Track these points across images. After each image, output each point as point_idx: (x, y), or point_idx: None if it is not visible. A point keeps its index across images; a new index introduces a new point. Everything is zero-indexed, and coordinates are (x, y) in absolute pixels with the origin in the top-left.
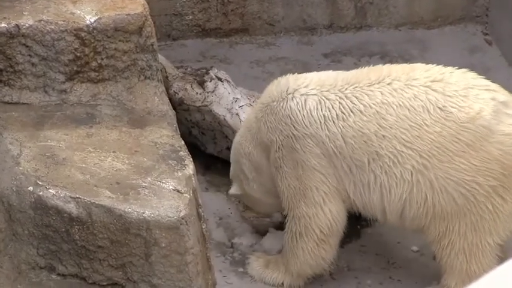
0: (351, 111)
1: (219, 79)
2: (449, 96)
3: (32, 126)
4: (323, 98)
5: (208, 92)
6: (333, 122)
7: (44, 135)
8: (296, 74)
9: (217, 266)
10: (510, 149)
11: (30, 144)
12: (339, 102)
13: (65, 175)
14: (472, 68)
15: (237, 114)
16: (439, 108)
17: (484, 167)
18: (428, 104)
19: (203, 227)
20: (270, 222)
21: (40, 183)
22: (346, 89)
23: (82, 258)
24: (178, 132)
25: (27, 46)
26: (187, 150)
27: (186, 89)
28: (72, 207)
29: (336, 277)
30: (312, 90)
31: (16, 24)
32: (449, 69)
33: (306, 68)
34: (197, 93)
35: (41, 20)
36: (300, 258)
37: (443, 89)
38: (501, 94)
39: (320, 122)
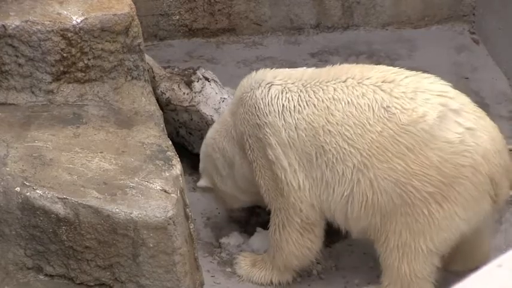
0: (306, 104)
1: (206, 79)
2: (395, 97)
3: (19, 127)
4: (286, 88)
5: (195, 92)
6: (290, 112)
7: (31, 135)
8: (269, 69)
9: (205, 266)
10: (451, 158)
11: (17, 144)
12: (299, 95)
13: (52, 176)
14: (458, 66)
15: None
16: (383, 108)
17: (421, 172)
18: (374, 103)
19: (191, 227)
20: (257, 221)
21: (27, 183)
22: (308, 83)
23: (69, 259)
24: (166, 133)
25: (13, 47)
26: (174, 150)
27: (173, 89)
28: (59, 208)
29: (323, 277)
30: (278, 81)
31: (2, 25)
32: (408, 72)
33: (293, 67)
34: (184, 93)
35: (28, 21)
36: (285, 250)
37: (391, 89)
38: (456, 102)
39: (278, 111)
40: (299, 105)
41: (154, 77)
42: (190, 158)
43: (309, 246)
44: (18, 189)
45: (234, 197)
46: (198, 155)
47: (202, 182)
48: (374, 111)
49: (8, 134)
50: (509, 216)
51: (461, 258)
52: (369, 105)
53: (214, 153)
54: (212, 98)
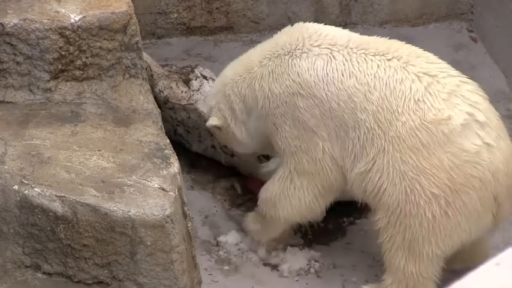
0: (349, 76)
1: (204, 77)
2: (429, 93)
3: (17, 125)
4: (331, 57)
5: (193, 90)
6: (334, 82)
7: (29, 133)
8: (311, 27)
9: (203, 264)
10: (462, 165)
11: (15, 143)
12: (343, 64)
13: (50, 174)
14: (456, 65)
15: None
16: (414, 99)
17: (430, 172)
18: (407, 92)
19: (188, 225)
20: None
21: (25, 182)
22: (354, 52)
23: (67, 257)
24: (163, 131)
25: (11, 45)
26: (172, 149)
27: (171, 87)
28: (57, 206)
29: (321, 275)
30: (323, 50)
31: (1, 23)
32: (453, 72)
33: None
34: (182, 91)
35: (26, 19)
36: (295, 206)
37: (429, 84)
38: (483, 115)
39: (323, 81)
40: (342, 75)
41: (152, 75)
42: (188, 156)
43: (317, 209)
44: (16, 187)
45: (242, 142)
46: (195, 153)
47: (212, 121)
48: (405, 101)
49: (6, 132)
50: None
51: (460, 257)
52: (403, 92)
53: (234, 97)
54: None
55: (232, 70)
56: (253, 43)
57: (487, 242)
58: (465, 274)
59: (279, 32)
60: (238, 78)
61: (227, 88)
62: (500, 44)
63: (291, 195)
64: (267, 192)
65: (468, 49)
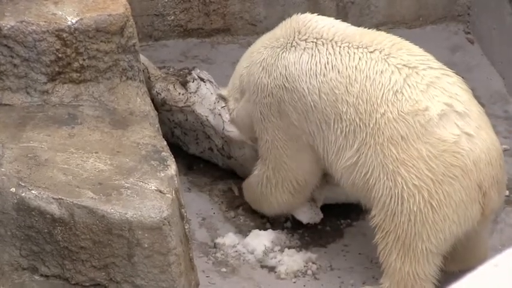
0: (332, 69)
1: (202, 79)
2: (408, 84)
3: (14, 127)
4: (316, 51)
5: (190, 93)
6: (316, 75)
7: (26, 136)
8: (302, 20)
9: (200, 266)
10: (441, 155)
11: (12, 145)
12: (327, 57)
13: (48, 176)
14: (453, 66)
15: (219, 114)
16: (392, 91)
17: (410, 163)
18: (387, 84)
19: (186, 227)
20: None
21: (22, 184)
22: (338, 45)
23: (65, 259)
24: (161, 133)
25: (8, 47)
26: (169, 151)
27: (168, 89)
28: (54, 208)
29: (318, 277)
30: (309, 44)
31: None
32: (436, 64)
33: None
34: (179, 93)
35: (23, 21)
36: (274, 206)
37: (407, 75)
38: (462, 106)
39: (306, 75)
40: (325, 68)
41: (149, 77)
42: (185, 159)
43: (296, 203)
44: (13, 189)
45: (234, 121)
46: (192, 155)
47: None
48: (384, 92)
49: (3, 134)
50: (505, 216)
51: (458, 258)
52: (382, 84)
53: (236, 73)
54: (207, 98)
55: (247, 51)
56: (250, 45)
57: (485, 243)
58: (463, 275)
59: (279, 24)
60: (244, 59)
61: (237, 65)
62: (497, 45)
63: (269, 195)
64: (248, 190)
65: (465, 51)
